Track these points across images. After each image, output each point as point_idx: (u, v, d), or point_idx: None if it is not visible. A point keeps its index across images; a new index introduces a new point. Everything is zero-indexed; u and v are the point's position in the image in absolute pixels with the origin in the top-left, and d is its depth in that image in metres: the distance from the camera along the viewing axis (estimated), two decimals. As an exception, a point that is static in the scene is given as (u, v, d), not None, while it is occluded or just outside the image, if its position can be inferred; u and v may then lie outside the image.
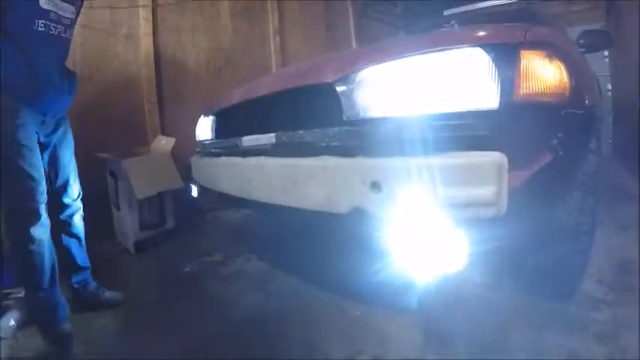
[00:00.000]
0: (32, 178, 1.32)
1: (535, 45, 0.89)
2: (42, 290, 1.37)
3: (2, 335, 1.42)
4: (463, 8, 2.83)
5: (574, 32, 2.00)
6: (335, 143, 1.00)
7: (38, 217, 1.34)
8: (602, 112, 1.53)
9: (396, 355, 1.20)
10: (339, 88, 0.99)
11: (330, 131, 1.02)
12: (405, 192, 0.82)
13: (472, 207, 0.79)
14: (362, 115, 0.96)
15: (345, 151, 0.97)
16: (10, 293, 1.64)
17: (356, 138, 0.95)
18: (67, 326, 1.43)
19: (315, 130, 1.06)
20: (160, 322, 1.56)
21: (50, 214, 1.43)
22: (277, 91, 1.24)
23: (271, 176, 1.21)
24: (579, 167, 1.22)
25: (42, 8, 1.34)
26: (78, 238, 1.63)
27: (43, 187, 1.38)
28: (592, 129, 1.26)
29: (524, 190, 0.90)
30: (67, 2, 1.45)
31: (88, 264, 1.68)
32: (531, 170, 0.91)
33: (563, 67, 0.91)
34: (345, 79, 0.99)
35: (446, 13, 2.81)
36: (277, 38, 3.91)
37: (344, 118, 0.98)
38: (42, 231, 1.36)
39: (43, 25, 1.35)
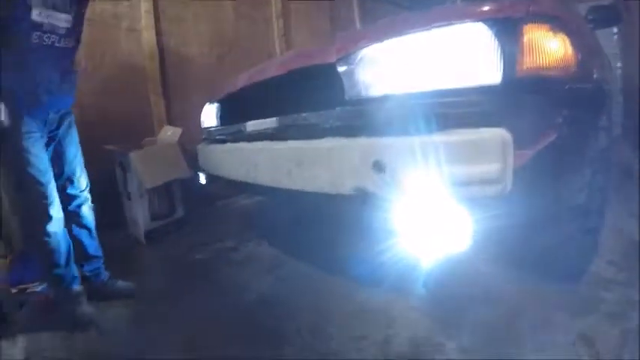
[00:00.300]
0: (41, 183, 1.38)
1: (538, 18, 0.86)
2: (59, 267, 1.45)
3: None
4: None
5: (583, 8, 1.96)
6: (338, 124, 0.99)
7: (50, 216, 1.40)
8: (612, 89, 1.48)
9: (400, 337, 1.20)
10: (341, 68, 0.98)
11: (333, 112, 1.01)
12: (408, 171, 0.81)
13: (477, 185, 0.79)
14: (364, 94, 0.95)
15: (348, 131, 0.97)
16: (26, 288, 1.72)
17: (358, 118, 0.95)
18: (84, 305, 1.51)
19: (319, 111, 1.05)
20: (172, 309, 1.59)
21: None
22: (281, 74, 1.23)
23: (276, 160, 1.21)
24: (589, 144, 1.20)
25: (34, 21, 1.35)
26: (88, 229, 1.66)
27: (53, 185, 1.43)
28: (602, 105, 1.23)
29: (529, 168, 0.89)
30: (61, 11, 1.45)
31: (99, 253, 1.71)
32: (535, 148, 0.89)
33: (568, 41, 0.88)
34: (346, 59, 0.97)
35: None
36: (280, 22, 3.88)
37: (346, 97, 0.98)
38: (56, 225, 1.43)
39: (37, 36, 1.37)
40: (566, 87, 0.88)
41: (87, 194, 1.66)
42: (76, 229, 1.62)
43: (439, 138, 0.79)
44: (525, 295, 1.32)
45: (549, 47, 0.85)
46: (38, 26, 1.37)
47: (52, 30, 1.42)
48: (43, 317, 1.57)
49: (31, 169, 1.37)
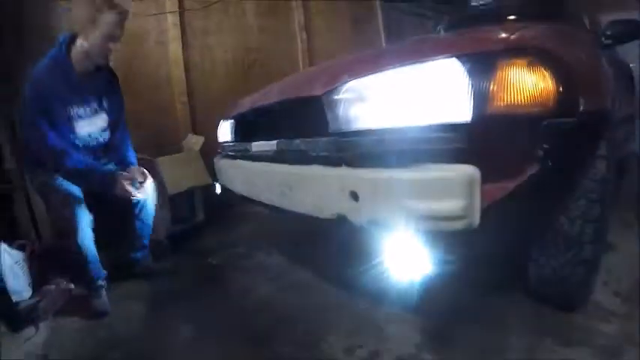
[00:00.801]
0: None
1: (516, 53, 0.87)
2: (89, 268, 1.69)
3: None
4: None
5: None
6: (323, 153, 1.05)
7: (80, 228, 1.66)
8: (623, 113, 1.43)
9: (393, 352, 1.24)
10: (325, 101, 1.04)
11: (319, 142, 1.06)
12: (377, 202, 0.85)
13: (442, 220, 0.81)
14: (344, 127, 1.00)
15: (331, 160, 1.02)
16: (48, 282, 1.88)
17: (339, 149, 0.99)
18: (104, 297, 1.74)
19: (308, 140, 1.11)
20: (180, 306, 1.74)
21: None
22: (276, 102, 1.31)
23: (272, 181, 1.29)
24: (584, 174, 1.18)
25: (78, 133, 1.71)
26: (146, 222, 1.97)
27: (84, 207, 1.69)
28: (598, 134, 1.21)
29: (512, 200, 0.90)
30: (98, 113, 1.78)
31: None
32: (515, 181, 0.90)
33: (548, 74, 0.88)
34: (329, 93, 1.03)
35: (472, 4, 2.72)
36: (304, 34, 3.96)
37: (329, 129, 1.03)
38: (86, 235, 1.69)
39: (79, 140, 1.72)
40: (545, 123, 0.89)
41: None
42: (136, 222, 1.93)
43: (406, 174, 0.82)
44: (519, 319, 1.32)
45: (525, 83, 0.86)
46: (83, 137, 1.74)
47: (93, 132, 1.79)
48: (62, 309, 1.74)
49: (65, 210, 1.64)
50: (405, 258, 1.06)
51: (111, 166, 1.83)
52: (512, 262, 1.44)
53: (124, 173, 1.72)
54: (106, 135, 1.83)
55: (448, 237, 0.91)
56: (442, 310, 1.42)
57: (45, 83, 1.59)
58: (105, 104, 1.82)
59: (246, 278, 1.98)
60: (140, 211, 1.91)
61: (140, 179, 1.77)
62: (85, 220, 1.66)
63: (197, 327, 1.53)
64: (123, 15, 1.64)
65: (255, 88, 1.91)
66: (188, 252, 2.47)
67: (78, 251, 1.64)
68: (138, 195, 1.76)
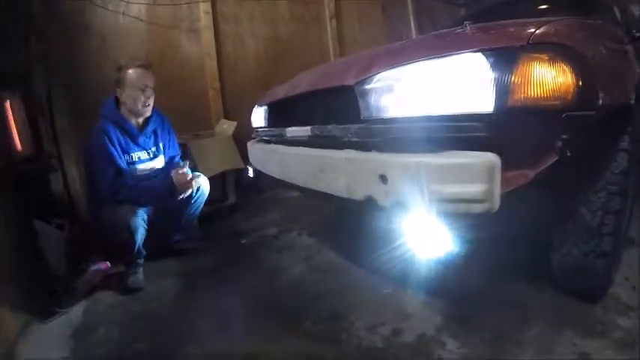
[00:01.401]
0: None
1: (538, 48, 0.92)
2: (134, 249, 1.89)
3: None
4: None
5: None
6: (355, 139, 1.14)
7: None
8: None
9: (413, 332, 1.32)
10: (357, 90, 1.12)
11: (351, 128, 1.15)
12: (404, 185, 0.94)
13: (464, 203, 0.89)
14: (375, 115, 1.08)
15: (363, 146, 1.11)
16: (86, 259, 2.07)
17: (370, 135, 1.08)
18: (140, 275, 1.92)
19: (340, 126, 1.20)
20: (212, 283, 1.86)
21: None
22: (310, 91, 1.40)
23: (305, 164, 1.38)
24: (605, 166, 1.22)
25: (141, 172, 1.98)
26: (197, 208, 2.20)
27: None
28: (620, 128, 1.24)
29: (533, 188, 0.95)
30: (157, 156, 2.05)
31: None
32: (535, 170, 0.95)
33: (568, 69, 0.93)
34: (362, 83, 1.11)
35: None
36: (333, 23, 3.99)
37: (361, 117, 1.12)
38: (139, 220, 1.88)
39: (139, 178, 1.95)
40: (564, 115, 0.94)
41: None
42: (188, 208, 2.13)
43: (432, 159, 0.90)
44: (538, 306, 1.37)
45: (545, 77, 0.91)
46: (142, 175, 1.99)
47: (150, 171, 2.04)
48: (99, 285, 1.91)
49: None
50: (427, 239, 1.14)
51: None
52: (534, 250, 1.49)
53: (180, 171, 1.92)
54: (164, 167, 2.08)
55: (469, 220, 0.98)
56: (463, 294, 1.48)
57: (107, 138, 1.83)
58: (161, 146, 2.07)
59: (276, 258, 2.10)
60: (198, 197, 2.11)
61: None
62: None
63: (228, 303, 1.66)
64: (145, 66, 1.89)
65: (284, 76, 2.02)
66: (220, 233, 2.60)
67: (133, 239, 1.82)
68: (196, 184, 1.99)
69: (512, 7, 2.42)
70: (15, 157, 2.00)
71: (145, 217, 1.90)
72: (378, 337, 1.31)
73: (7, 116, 2.00)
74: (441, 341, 1.26)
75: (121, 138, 1.88)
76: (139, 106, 1.90)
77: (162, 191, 1.91)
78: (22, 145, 2.12)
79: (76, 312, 1.69)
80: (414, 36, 4.41)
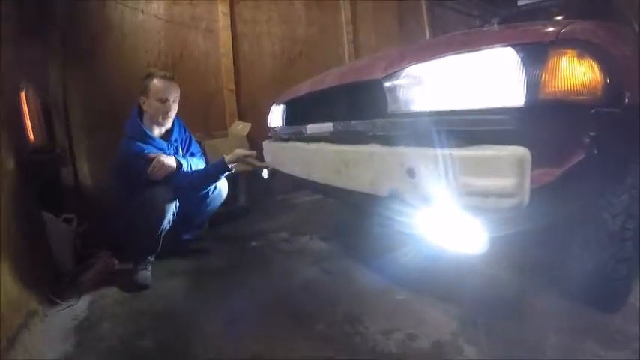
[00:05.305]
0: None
1: (567, 44, 0.93)
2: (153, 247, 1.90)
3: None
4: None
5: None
6: (381, 133, 1.15)
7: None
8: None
9: (429, 337, 1.28)
10: (385, 84, 1.13)
11: (377, 122, 1.16)
12: (432, 179, 0.95)
13: (493, 197, 0.89)
14: (403, 108, 1.09)
15: (389, 140, 1.12)
16: (94, 253, 2.09)
17: (398, 129, 1.09)
18: (148, 271, 1.89)
19: (365, 121, 1.21)
20: (221, 284, 1.83)
21: None
22: (336, 85, 1.42)
23: (328, 160, 1.39)
24: (629, 169, 1.21)
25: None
26: (214, 207, 2.18)
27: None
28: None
29: (560, 186, 0.95)
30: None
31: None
32: (562, 167, 0.95)
33: (596, 66, 0.94)
34: (390, 76, 1.12)
35: (520, 3, 2.73)
36: (350, 28, 4.02)
37: (389, 111, 1.13)
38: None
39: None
40: (592, 111, 0.95)
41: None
42: (204, 205, 2.11)
43: (462, 152, 0.91)
44: (557, 315, 1.32)
45: (574, 72, 0.92)
46: None
47: None
48: (106, 280, 1.89)
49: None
50: (447, 236, 1.12)
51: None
52: (552, 254, 1.47)
53: (163, 158, 1.88)
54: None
55: (497, 215, 0.98)
56: (480, 299, 1.45)
57: (131, 152, 1.86)
58: (184, 150, 2.10)
59: (287, 261, 2.06)
60: (214, 196, 2.10)
61: None
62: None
63: (236, 303, 1.63)
64: (170, 78, 1.91)
65: (299, 80, 2.01)
66: (230, 235, 2.57)
67: (161, 221, 1.82)
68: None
69: (529, 14, 2.45)
70: (27, 147, 2.01)
71: (175, 206, 1.89)
72: (392, 342, 1.27)
73: (21, 106, 2.04)
74: (457, 346, 1.22)
75: (146, 147, 1.89)
76: (160, 118, 1.91)
77: (214, 171, 1.96)
78: (34, 136, 2.15)
79: (81, 306, 1.66)
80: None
